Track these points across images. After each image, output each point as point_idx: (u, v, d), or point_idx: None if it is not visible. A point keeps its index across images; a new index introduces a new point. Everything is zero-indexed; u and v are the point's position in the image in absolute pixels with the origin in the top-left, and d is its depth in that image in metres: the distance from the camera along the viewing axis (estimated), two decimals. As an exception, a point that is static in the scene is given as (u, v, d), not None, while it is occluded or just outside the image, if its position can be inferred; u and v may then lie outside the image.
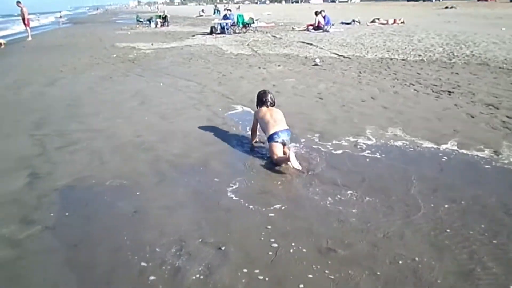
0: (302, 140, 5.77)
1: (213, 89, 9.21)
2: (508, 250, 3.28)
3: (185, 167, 4.95)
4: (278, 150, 4.95)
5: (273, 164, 4.92)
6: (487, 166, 4.93)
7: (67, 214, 3.95)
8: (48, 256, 3.32)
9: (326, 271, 3.05)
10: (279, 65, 12.11)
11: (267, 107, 5.44)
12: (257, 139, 5.57)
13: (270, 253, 3.27)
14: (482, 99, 8.02)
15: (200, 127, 6.45)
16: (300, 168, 4.67)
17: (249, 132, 5.80)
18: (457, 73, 10.32)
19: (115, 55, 15.42)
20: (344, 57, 13.45)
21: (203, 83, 9.91)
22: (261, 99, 5.52)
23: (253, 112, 6.08)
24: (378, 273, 3.04)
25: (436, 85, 9.08)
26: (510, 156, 5.25)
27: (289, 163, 4.66)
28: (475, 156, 5.27)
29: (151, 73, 11.55)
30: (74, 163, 5.15)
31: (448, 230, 3.55)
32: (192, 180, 4.61)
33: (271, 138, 5.03)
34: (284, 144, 5.10)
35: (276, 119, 5.20)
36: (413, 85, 9.18)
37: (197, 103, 7.99)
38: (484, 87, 8.87)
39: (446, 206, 3.95)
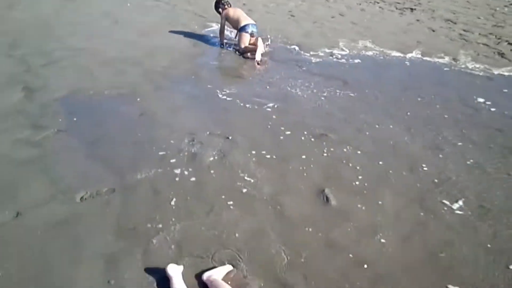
0: (281, 52, 6.13)
1: (185, 8, 9.16)
2: (468, 133, 3.98)
3: (177, 77, 5.24)
4: (247, 40, 5.98)
5: (260, 70, 5.31)
6: (447, 69, 5.59)
7: (75, 119, 4.18)
8: (70, 153, 3.61)
9: (322, 150, 3.61)
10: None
11: (230, 6, 6.36)
12: (226, 40, 6.48)
13: (273, 139, 3.78)
14: (442, 15, 8.59)
15: (181, 43, 6.61)
16: (259, 60, 5.67)
17: (227, 44, 6.47)
18: (418, -8, 10.75)
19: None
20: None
21: (172, 2, 9.76)
22: (222, 1, 6.41)
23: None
24: (365, 150, 3.64)
25: (399, 3, 9.52)
26: (466, 62, 5.93)
27: (256, 52, 5.70)
28: (437, 62, 5.90)
29: (114, -6, 11.09)
30: (65, 78, 5.26)
31: (418, 117, 4.19)
32: (186, 87, 4.94)
33: (242, 29, 6.02)
34: (252, 35, 6.05)
35: (243, 15, 6.19)
36: (378, 3, 9.57)
37: (171, 21, 8.01)
38: (442, 4, 9.42)
39: (415, 100, 4.57)
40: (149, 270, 2.37)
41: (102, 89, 4.84)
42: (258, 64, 5.41)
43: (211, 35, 7.16)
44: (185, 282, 2.24)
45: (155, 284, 2.29)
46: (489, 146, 3.76)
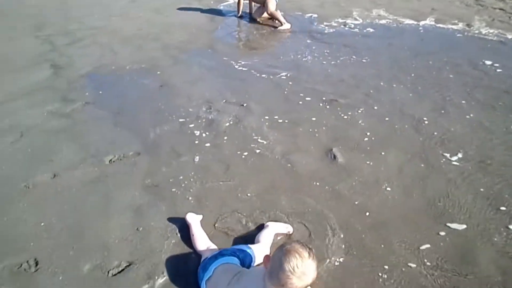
0: (296, 22, 6.26)
1: (199, -15, 9.27)
2: (473, 94, 4.09)
3: (194, 51, 5.47)
4: (275, 4, 6.26)
5: (275, 41, 5.49)
6: (459, 35, 5.63)
7: (100, 92, 4.48)
8: (98, 122, 3.92)
9: (331, 114, 3.81)
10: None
11: None
12: (241, 13, 6.64)
13: (285, 105, 4.00)
14: (458, -20, 8.44)
15: (197, 19, 6.81)
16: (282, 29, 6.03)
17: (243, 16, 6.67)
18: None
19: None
20: None
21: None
22: None
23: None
24: (372, 113, 3.82)
25: (415, -30, 9.36)
26: (480, 28, 5.93)
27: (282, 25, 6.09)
28: (450, 29, 5.93)
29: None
30: (89, 55, 5.56)
31: (426, 81, 4.32)
32: (203, 60, 5.16)
33: None
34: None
35: None
36: (394, -29, 9.43)
37: (187, -1, 8.18)
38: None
39: (425, 65, 4.68)
40: (172, 219, 2.66)
41: (123, 65, 5.12)
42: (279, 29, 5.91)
43: (227, 9, 7.31)
44: (203, 229, 2.52)
45: (177, 230, 2.58)
46: (493, 106, 3.88)
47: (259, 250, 2.27)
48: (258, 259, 2.23)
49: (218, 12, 7.14)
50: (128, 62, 5.18)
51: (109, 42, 6.00)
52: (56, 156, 3.33)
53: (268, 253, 2.23)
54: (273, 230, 2.48)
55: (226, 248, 2.29)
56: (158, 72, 4.84)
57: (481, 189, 2.84)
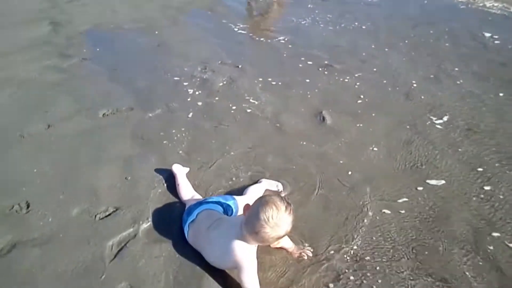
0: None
1: None
2: (469, 62, 4.10)
3: (193, 12, 5.45)
4: None
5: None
6: (463, 7, 5.56)
7: (98, 49, 4.50)
8: (94, 77, 3.95)
9: (325, 78, 3.84)
10: None
11: None
12: None
13: (280, 68, 4.02)
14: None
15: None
16: None
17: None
18: None
19: None
20: None
21: None
22: None
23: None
24: (366, 78, 3.84)
25: None
26: (484, 0, 5.83)
27: None
28: (454, 0, 5.84)
29: None
30: (88, 13, 5.54)
31: (424, 51, 4.31)
32: (202, 21, 5.15)
33: None
34: None
35: None
36: None
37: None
38: None
39: (424, 34, 4.66)
40: (160, 170, 2.74)
41: (122, 23, 5.12)
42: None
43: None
44: (189, 181, 2.60)
45: (164, 181, 2.66)
46: (487, 77, 3.88)
47: (243, 202, 2.35)
48: (241, 209, 2.31)
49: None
50: (127, 21, 5.18)
51: (109, 0, 5.95)
52: (51, 108, 3.39)
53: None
54: (264, 186, 2.55)
55: (211, 196, 2.38)
56: (156, 32, 4.84)
57: (464, 154, 2.89)
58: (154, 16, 5.26)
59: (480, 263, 2.06)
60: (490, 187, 2.58)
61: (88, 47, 4.52)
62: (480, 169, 2.75)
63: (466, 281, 1.96)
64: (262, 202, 1.75)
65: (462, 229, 2.30)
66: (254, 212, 1.75)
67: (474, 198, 2.52)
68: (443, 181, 2.62)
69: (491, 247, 2.16)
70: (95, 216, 2.40)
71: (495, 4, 5.71)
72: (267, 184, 2.57)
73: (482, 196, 2.54)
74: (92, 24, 5.13)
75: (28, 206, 2.45)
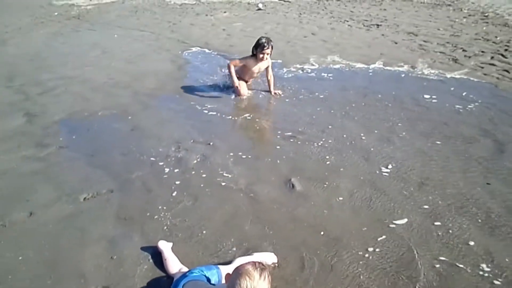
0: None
1: (168, 36, 9.86)
2: (415, 123, 4.61)
3: (163, 97, 5.84)
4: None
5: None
6: (404, 76, 6.29)
7: (74, 137, 4.72)
8: (72, 164, 4.13)
9: (290, 148, 4.21)
10: (225, 12, 12.82)
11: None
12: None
13: (248, 142, 4.38)
14: (405, 29, 9.38)
15: (166, 67, 7.26)
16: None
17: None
18: (385, 9, 11.64)
19: (56, 13, 15.19)
20: (284, 0, 14.34)
21: (156, 32, 10.48)
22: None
23: (208, 51, 7.03)
24: (326, 146, 4.24)
25: (366, 20, 10.33)
26: (423, 69, 6.64)
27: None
28: (396, 71, 6.60)
29: (101, 26, 11.84)
30: (61, 103, 5.82)
31: (374, 117, 4.83)
32: (172, 105, 5.53)
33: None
34: None
35: None
36: (347, 21, 10.36)
37: (156, 49, 8.68)
38: (406, 19, 10.25)
39: (373, 103, 5.22)
40: (144, 248, 2.89)
41: (95, 111, 5.41)
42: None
43: (193, 57, 7.82)
44: (175, 255, 2.76)
45: (149, 257, 2.81)
46: (433, 136, 4.38)
47: (226, 271, 2.52)
48: (224, 279, 2.46)
49: (186, 61, 7.62)
50: (100, 108, 5.47)
51: (81, 90, 6.29)
52: (32, 196, 3.53)
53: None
54: (253, 258, 2.64)
55: (195, 267, 2.54)
56: (129, 117, 5.14)
57: (423, 205, 3.23)
58: (126, 102, 5.60)
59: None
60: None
61: (64, 135, 4.73)
62: (438, 223, 3.07)
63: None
64: (236, 273, 1.84)
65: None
66: (231, 284, 1.84)
67: (431, 240, 2.81)
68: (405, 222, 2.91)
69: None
70: (84, 298, 2.49)
71: (432, 71, 6.48)
72: (259, 257, 2.66)
73: (438, 237, 2.83)
74: (67, 113, 5.38)
75: (15, 295, 2.52)
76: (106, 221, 3.19)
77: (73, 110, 5.48)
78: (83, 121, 5.12)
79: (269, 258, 2.72)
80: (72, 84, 6.64)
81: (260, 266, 1.85)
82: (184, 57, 7.87)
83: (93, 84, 6.56)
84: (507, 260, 2.69)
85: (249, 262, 1.91)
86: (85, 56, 8.45)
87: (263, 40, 5.43)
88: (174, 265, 2.67)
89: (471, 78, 6.21)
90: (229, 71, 5.65)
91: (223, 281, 2.44)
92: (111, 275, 2.65)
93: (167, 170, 3.87)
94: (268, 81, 5.80)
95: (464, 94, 5.57)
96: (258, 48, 5.45)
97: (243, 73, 5.85)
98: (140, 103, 5.60)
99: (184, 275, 2.42)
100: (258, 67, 5.69)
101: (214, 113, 5.16)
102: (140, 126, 4.87)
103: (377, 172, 3.73)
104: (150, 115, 5.19)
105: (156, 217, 3.21)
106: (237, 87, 5.60)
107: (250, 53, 5.63)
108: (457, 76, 6.32)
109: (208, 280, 2.39)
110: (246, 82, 5.93)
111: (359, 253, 2.78)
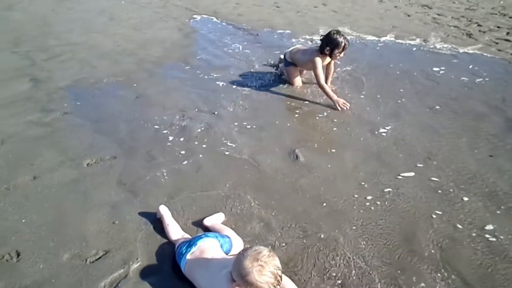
0: (265, 39, 6.66)
1: (175, 4, 9.68)
2: (424, 98, 4.51)
3: (169, 65, 5.77)
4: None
5: (245, 56, 5.86)
6: (415, 49, 6.12)
7: (78, 103, 4.70)
8: (77, 129, 4.11)
9: (295, 120, 4.15)
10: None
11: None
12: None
13: (253, 112, 4.33)
14: (419, 1, 9.09)
15: (173, 35, 7.14)
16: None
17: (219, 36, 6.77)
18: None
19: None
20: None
21: (164, -1, 10.27)
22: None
23: (216, 19, 6.89)
24: (333, 119, 4.17)
25: (380, -9, 10.01)
26: (435, 43, 6.45)
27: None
28: (408, 44, 6.42)
29: (108, -7, 11.60)
30: (68, 69, 5.77)
31: (383, 90, 4.73)
32: (177, 73, 5.47)
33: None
34: None
35: None
36: (360, -9, 10.06)
37: (163, 17, 8.53)
38: (421, -9, 9.91)
39: (382, 76, 5.10)
40: (145, 214, 2.90)
41: (101, 78, 5.36)
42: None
43: (200, 25, 7.69)
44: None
45: (150, 223, 2.82)
46: (442, 111, 4.29)
47: (235, 239, 2.53)
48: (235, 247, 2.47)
49: (193, 29, 7.49)
50: (106, 76, 5.42)
51: (87, 57, 6.23)
52: (36, 161, 3.53)
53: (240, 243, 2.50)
54: (215, 223, 2.74)
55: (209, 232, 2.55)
56: (134, 85, 5.10)
57: (430, 178, 3.20)
58: (132, 70, 5.54)
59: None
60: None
61: (69, 102, 4.71)
62: (439, 191, 3.04)
63: None
64: (245, 253, 1.86)
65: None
66: (238, 260, 1.86)
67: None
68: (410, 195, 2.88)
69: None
70: (86, 260, 2.52)
71: (445, 46, 6.30)
72: (211, 220, 2.76)
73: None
74: (72, 80, 5.34)
75: (18, 255, 2.56)
76: (108, 187, 3.19)
77: (78, 77, 5.45)
78: (89, 88, 5.09)
79: (219, 218, 2.79)
80: (78, 50, 6.57)
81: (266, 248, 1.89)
82: (191, 25, 7.74)
83: (99, 51, 6.49)
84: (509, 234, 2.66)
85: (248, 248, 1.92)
86: (92, 22, 8.34)
87: (342, 40, 4.35)
88: (176, 232, 2.68)
89: (485, 54, 6.03)
90: (325, 92, 4.48)
91: (232, 251, 2.44)
92: (113, 240, 2.67)
93: (171, 138, 3.84)
94: (328, 73, 4.91)
95: (476, 69, 5.41)
96: (336, 49, 4.37)
97: (304, 66, 4.87)
98: (145, 71, 5.54)
99: (198, 236, 2.42)
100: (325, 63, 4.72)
101: (220, 82, 5.09)
102: (145, 94, 4.82)
103: (383, 145, 3.67)
104: (155, 83, 5.14)
105: (158, 183, 3.20)
106: (337, 100, 4.41)
107: (318, 49, 4.51)
108: (470, 51, 6.15)
109: (221, 246, 2.39)
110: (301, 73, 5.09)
111: (361, 225, 2.76)
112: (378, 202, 2.97)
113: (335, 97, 4.39)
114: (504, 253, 2.50)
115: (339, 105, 4.34)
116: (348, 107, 4.33)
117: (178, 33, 7.25)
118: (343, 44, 4.34)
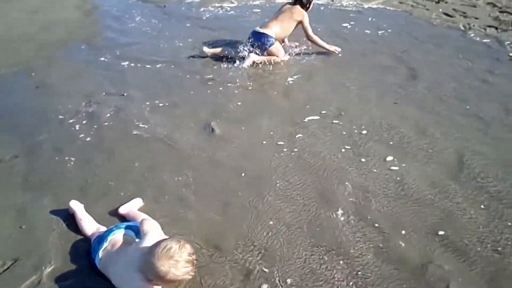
0: (174, 10, 6.41)
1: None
2: (335, 57, 4.63)
3: (71, 48, 5.35)
4: None
5: (155, 30, 5.60)
6: (323, 9, 6.33)
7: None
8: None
9: (209, 92, 4.06)
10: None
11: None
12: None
13: (165, 90, 4.18)
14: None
15: (75, 15, 6.65)
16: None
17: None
18: None
19: None
20: None
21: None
22: None
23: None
24: (245, 87, 4.15)
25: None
26: (342, 0, 6.59)
27: None
28: (315, 4, 6.45)
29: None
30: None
31: (291, 51, 4.76)
32: (81, 56, 5.10)
33: None
34: None
35: None
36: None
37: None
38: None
39: (293, 37, 5.09)
40: (56, 212, 2.71)
41: (-5, 69, 4.85)
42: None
43: (103, 1, 7.20)
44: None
45: (62, 221, 2.64)
46: (351, 67, 4.44)
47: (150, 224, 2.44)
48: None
49: (94, 6, 6.98)
50: (1, 66, 4.91)
51: (-23, 47, 5.59)
52: None
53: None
54: (130, 210, 2.65)
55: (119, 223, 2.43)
56: (33, 74, 4.68)
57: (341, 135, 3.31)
58: (30, 57, 5.08)
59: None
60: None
61: (-39, 98, 4.23)
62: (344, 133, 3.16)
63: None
64: (155, 254, 1.83)
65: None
66: (150, 263, 1.84)
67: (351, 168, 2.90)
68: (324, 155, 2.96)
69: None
70: (-7, 274, 2.31)
71: (350, 3, 6.46)
72: (128, 207, 2.66)
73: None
74: (-41, 76, 4.78)
75: None
76: (12, 188, 2.94)
77: (-34, 72, 4.87)
78: (-19, 81, 4.59)
79: (136, 204, 2.70)
80: (-34, 40, 5.86)
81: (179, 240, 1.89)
82: (92, 2, 7.19)
83: (-10, 39, 5.84)
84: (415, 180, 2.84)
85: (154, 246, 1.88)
86: (-21, 8, 7.45)
87: None
88: (91, 226, 2.54)
89: (388, 8, 6.29)
90: (318, 43, 4.75)
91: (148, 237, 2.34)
92: (21, 246, 2.47)
93: (77, 127, 3.61)
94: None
95: (380, 23, 5.63)
96: (312, 1, 4.77)
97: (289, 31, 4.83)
98: (44, 57, 5.10)
99: (109, 229, 2.31)
100: None
101: (127, 62, 4.82)
102: (45, 83, 4.46)
103: (297, 109, 3.72)
104: (57, 70, 4.76)
105: (68, 179, 3.00)
106: (332, 48, 4.77)
107: (299, 7, 4.71)
108: (374, 6, 6.37)
109: (136, 235, 2.30)
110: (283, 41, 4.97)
111: (280, 188, 2.80)
112: (292, 163, 3.01)
113: (328, 45, 4.74)
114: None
115: (335, 51, 4.73)
116: (339, 52, 4.74)
117: (78, 12, 6.73)
118: None
